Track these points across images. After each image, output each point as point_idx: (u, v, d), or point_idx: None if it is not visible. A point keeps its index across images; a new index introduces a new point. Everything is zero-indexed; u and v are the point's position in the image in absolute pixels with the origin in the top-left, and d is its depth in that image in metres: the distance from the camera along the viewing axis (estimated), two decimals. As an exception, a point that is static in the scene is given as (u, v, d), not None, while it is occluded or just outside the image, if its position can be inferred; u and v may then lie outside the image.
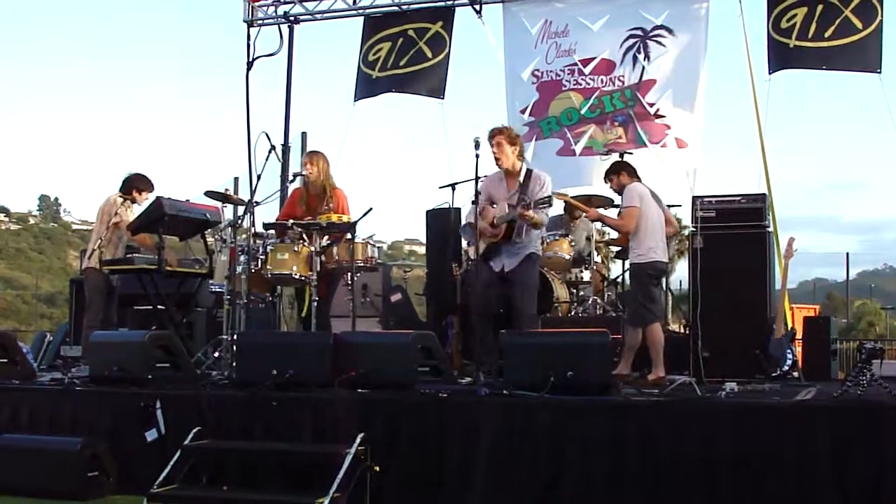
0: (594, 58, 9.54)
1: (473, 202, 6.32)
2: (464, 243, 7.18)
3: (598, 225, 8.75)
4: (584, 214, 7.26)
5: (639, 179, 6.83)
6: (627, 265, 6.82)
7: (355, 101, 10.42)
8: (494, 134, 6.66)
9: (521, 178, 6.68)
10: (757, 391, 5.77)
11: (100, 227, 7.67)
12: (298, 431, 5.56)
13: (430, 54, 10.08)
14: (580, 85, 9.59)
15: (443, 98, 10.05)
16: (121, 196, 7.68)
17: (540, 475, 5.03)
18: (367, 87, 10.37)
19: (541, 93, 9.75)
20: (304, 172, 7.30)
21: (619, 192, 6.91)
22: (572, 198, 8.05)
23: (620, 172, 6.92)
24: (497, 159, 6.62)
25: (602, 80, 9.51)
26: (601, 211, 7.23)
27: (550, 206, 6.59)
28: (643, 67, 9.34)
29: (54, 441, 5.93)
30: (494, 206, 6.71)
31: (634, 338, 6.54)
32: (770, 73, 8.72)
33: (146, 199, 7.69)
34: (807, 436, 4.71)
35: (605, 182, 7.02)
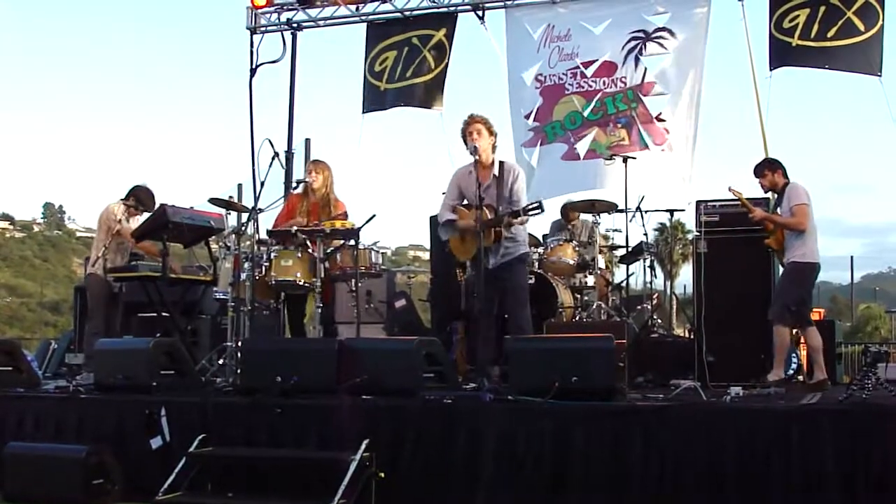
0: (596, 60, 9.47)
1: (443, 193, 6.21)
2: (443, 236, 6.91)
3: (603, 230, 8.72)
4: (751, 215, 6.73)
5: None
6: (787, 262, 6.54)
7: (364, 112, 10.42)
8: (473, 121, 6.41)
9: (496, 171, 6.49)
10: (762, 395, 5.76)
11: (100, 234, 7.67)
12: (303, 438, 5.57)
13: (433, 64, 10.07)
14: (582, 88, 9.53)
15: (442, 107, 10.04)
16: (123, 203, 7.69)
17: (545, 481, 5.02)
18: (375, 99, 10.36)
19: (544, 97, 9.70)
20: (307, 180, 7.33)
21: (772, 189, 6.74)
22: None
23: (777, 170, 6.71)
24: (474, 147, 6.29)
25: (604, 82, 9.43)
26: (765, 213, 6.75)
27: (542, 211, 6.29)
28: (645, 68, 9.26)
29: (60, 449, 5.93)
30: (465, 202, 6.53)
31: (786, 337, 6.48)
32: (771, 70, 8.65)
33: (142, 214, 7.68)
34: (812, 440, 4.69)
35: (757, 177, 6.74)
